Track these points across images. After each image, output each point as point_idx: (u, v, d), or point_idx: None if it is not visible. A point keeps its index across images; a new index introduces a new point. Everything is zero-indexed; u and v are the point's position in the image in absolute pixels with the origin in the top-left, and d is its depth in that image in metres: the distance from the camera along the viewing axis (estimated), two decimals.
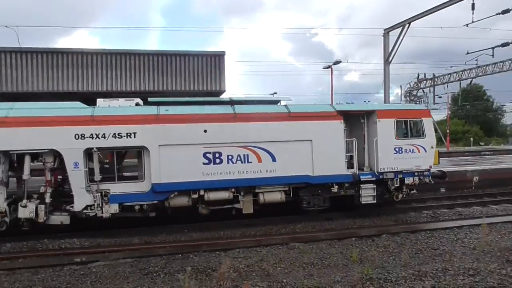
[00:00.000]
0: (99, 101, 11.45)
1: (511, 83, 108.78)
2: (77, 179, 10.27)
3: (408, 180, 12.63)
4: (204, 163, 11.02)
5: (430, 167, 12.84)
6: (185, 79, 17.63)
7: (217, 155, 11.13)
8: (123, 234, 10.84)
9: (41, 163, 10.54)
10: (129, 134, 10.51)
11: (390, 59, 28.28)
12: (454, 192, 16.50)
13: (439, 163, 13.99)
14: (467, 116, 70.91)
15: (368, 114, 12.78)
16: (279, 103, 12.56)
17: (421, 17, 25.20)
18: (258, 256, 8.75)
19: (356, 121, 12.93)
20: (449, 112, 52.90)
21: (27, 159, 10.34)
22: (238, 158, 11.26)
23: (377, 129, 12.34)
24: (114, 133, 10.41)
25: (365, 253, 8.70)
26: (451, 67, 44.91)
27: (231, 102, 11.96)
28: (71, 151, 10.19)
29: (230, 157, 11.18)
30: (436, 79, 48.06)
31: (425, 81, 49.82)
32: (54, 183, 10.82)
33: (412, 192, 13.12)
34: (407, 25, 26.15)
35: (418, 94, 48.73)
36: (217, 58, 18.04)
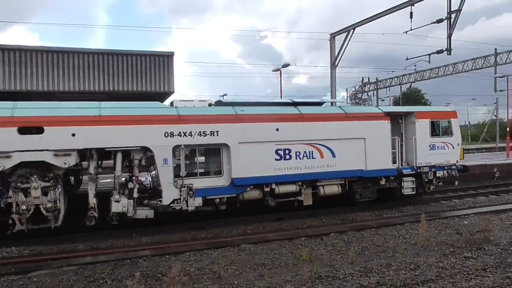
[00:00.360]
0: (176, 101, 12.47)
1: (445, 87, 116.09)
2: (166, 174, 10.95)
3: (439, 173, 14.39)
4: (276, 159, 12.14)
5: (457, 161, 14.66)
6: (132, 79, 17.13)
7: (287, 151, 12.26)
8: (67, 241, 10.36)
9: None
10: (212, 132, 11.42)
11: (336, 63, 29.19)
12: None
13: (463, 158, 15.84)
14: None
15: (407, 115, 14.43)
16: (330, 104, 14.39)
17: (365, 23, 26.27)
18: (209, 259, 8.70)
19: (394, 121, 14.17)
20: None
21: (118, 156, 10.86)
22: (304, 154, 12.45)
23: (415, 129, 14.02)
24: (200, 132, 11.28)
25: (315, 252, 8.91)
26: (392, 71, 47.20)
27: (294, 104, 13.23)
28: (161, 148, 10.89)
29: (297, 153, 12.36)
30: (379, 83, 50.26)
31: (369, 85, 51.92)
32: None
33: (439, 184, 14.87)
34: (352, 30, 27.15)
35: (363, 97, 50.73)
36: (165, 59, 17.69)
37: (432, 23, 21.06)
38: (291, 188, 12.46)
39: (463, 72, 39.87)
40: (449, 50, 21.16)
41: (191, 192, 11.22)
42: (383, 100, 51.41)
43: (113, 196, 10.71)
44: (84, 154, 10.63)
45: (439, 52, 23.44)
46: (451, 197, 16.34)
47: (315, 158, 12.52)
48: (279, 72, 35.90)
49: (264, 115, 12.19)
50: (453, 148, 14.58)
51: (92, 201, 10.58)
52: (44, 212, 10.15)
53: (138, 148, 10.94)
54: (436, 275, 7.31)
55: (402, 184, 13.95)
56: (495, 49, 36.67)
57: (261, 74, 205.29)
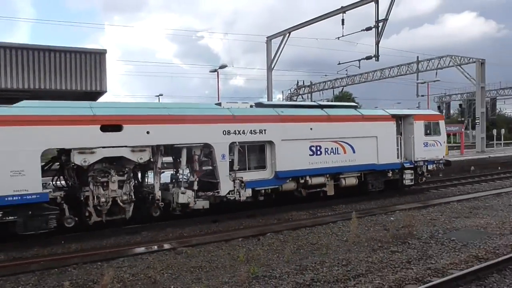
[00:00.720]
0: (223, 103, 13.42)
1: (374, 91, 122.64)
2: (223, 168, 12.03)
3: (430, 167, 16.84)
4: (310, 154, 13.72)
5: (443, 157, 17.29)
6: (61, 77, 16.14)
7: (318, 148, 13.88)
8: None
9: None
10: (261, 130, 12.71)
11: (272, 65, 29.76)
12: None
13: (448, 154, 18.66)
14: None
15: (406, 117, 16.59)
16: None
17: (300, 28, 27.09)
18: (144, 264, 8.45)
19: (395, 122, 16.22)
20: None
21: (183, 152, 11.72)
22: (331, 150, 14.16)
23: (413, 129, 16.21)
24: (251, 130, 12.53)
25: (252, 252, 9.00)
26: (325, 75, 49.05)
27: (320, 106, 15.09)
28: (220, 145, 11.96)
29: (326, 149, 14.03)
30: (313, 86, 51.98)
31: (303, 88, 53.47)
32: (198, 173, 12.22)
33: (428, 176, 17.30)
34: (288, 34, 27.87)
35: (298, 100, 52.09)
36: (97, 56, 16.89)
37: (361, 30, 22.25)
38: (321, 180, 14.10)
39: (390, 77, 42.56)
40: (377, 56, 22.46)
41: (242, 184, 12.40)
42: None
43: (180, 188, 11.69)
44: (154, 150, 11.33)
45: (368, 58, 24.77)
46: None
47: (339, 153, 14.36)
48: (216, 73, 35.84)
49: (301, 116, 13.84)
50: (441, 145, 17.17)
51: (158, 193, 11.42)
52: (121, 204, 10.88)
53: (201, 144, 11.96)
54: (366, 269, 7.70)
55: (404, 176, 16.20)
56: (417, 57, 39.57)
57: (198, 74, 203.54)
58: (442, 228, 10.78)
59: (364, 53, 26.19)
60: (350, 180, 14.76)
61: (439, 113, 19.25)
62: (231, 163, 12.30)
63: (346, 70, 33.81)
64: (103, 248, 9.87)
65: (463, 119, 58.06)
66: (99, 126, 10.40)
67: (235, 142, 12.25)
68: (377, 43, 21.63)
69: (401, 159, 16.12)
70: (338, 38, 23.50)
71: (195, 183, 12.02)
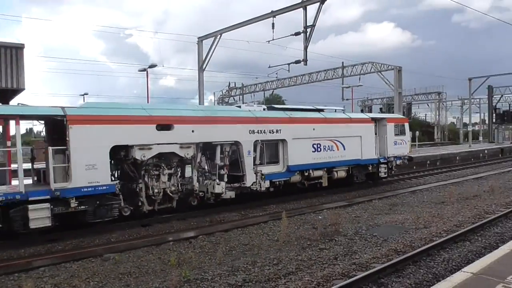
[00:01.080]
0: (243, 106, 15.66)
1: (303, 94, 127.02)
2: (248, 163, 13.93)
3: (398, 162, 20.05)
4: (312, 151, 15.96)
5: (408, 153, 20.67)
6: None
7: (319, 145, 16.17)
8: None
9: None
10: (277, 130, 14.76)
11: (204, 66, 29.55)
12: None
13: (411, 151, 22.25)
14: None
15: (380, 120, 19.30)
16: (334, 110, 18.98)
17: (232, 30, 27.17)
18: (68, 273, 7.98)
19: None
20: None
21: (218, 148, 13.41)
22: (328, 148, 16.50)
23: (387, 130, 19.00)
24: (270, 130, 14.55)
25: (183, 255, 8.87)
26: (256, 78, 49.68)
27: (318, 110, 17.60)
28: (246, 142, 13.85)
29: (324, 146, 16.34)
30: (244, 88, 52.45)
31: (235, 90, 53.76)
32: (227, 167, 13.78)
33: (395, 170, 20.67)
34: (219, 35, 27.82)
35: (230, 102, 52.24)
36: (14, 51, 15.58)
37: (291, 35, 22.81)
38: (320, 173, 16.33)
39: (317, 81, 44.21)
40: (305, 61, 23.20)
41: (263, 176, 14.26)
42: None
43: (215, 180, 13.23)
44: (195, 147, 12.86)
45: (297, 62, 25.54)
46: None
47: (334, 150, 16.71)
48: (145, 72, 34.83)
49: (306, 118, 16.19)
50: (406, 143, 20.43)
51: (196, 185, 13.04)
52: (170, 194, 12.41)
53: (232, 142, 13.73)
54: (296, 267, 7.94)
55: (380, 170, 19.00)
56: (342, 63, 41.55)
57: (127, 73, 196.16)
58: (365, 225, 11.44)
59: (293, 57, 27.05)
60: (341, 173, 17.22)
61: (405, 117, 23.39)
62: (254, 159, 14.16)
63: (276, 73, 34.56)
64: (20, 258, 9.16)
65: None
66: (155, 125, 11.86)
67: (258, 140, 14.27)
68: (305, 48, 22.35)
69: (377, 155, 18.76)
70: (269, 41, 23.97)
71: (225, 176, 13.59)
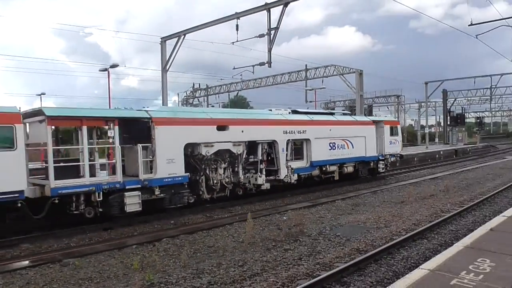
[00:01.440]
0: (273, 110, 17.78)
1: (267, 96, 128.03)
2: (282, 158, 16.22)
3: (392, 159, 23.05)
4: (329, 149, 18.54)
5: (400, 152, 23.73)
6: None
7: (334, 144, 18.81)
8: None
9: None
10: (303, 131, 17.29)
11: (167, 67, 29.16)
12: None
13: (402, 149, 25.13)
14: None
15: (378, 122, 22.12)
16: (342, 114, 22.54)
17: (196, 30, 26.96)
18: (23, 280, 7.66)
19: None
20: None
21: (259, 146, 15.71)
22: (341, 146, 19.16)
23: (384, 131, 21.91)
24: (298, 130, 17.02)
25: (147, 259, 8.70)
26: (221, 79, 49.48)
27: (331, 113, 21.68)
28: (281, 141, 16.21)
29: (338, 145, 18.96)
30: (209, 89, 52.13)
31: (199, 91, 53.34)
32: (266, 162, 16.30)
33: (389, 166, 23.55)
34: (183, 36, 27.53)
35: (194, 103, 51.77)
36: None
37: (255, 37, 22.94)
38: (334, 168, 18.84)
39: (281, 83, 44.58)
40: (269, 63, 23.33)
41: (292, 170, 16.63)
42: (213, 106, 53.34)
43: (257, 173, 15.49)
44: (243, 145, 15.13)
45: (261, 64, 25.69)
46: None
47: (345, 148, 19.36)
48: (107, 72, 33.94)
49: (324, 120, 19.07)
50: (398, 143, 23.43)
51: (242, 177, 15.18)
52: (225, 184, 14.64)
53: (270, 141, 16.08)
54: (261, 269, 7.98)
55: (378, 166, 21.74)
56: (306, 66, 42.08)
57: (87, 73, 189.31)
58: (329, 225, 11.65)
59: (257, 59, 27.10)
60: (350, 168, 19.81)
61: (397, 120, 28.69)
62: (286, 155, 16.47)
63: (240, 75, 34.70)
64: None
65: None
66: (216, 126, 14.10)
67: (289, 139, 16.74)
68: (269, 50, 22.50)
69: (377, 153, 21.52)
70: (233, 43, 23.95)
71: (264, 170, 15.78)
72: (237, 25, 23.29)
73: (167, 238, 10.54)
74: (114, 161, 11.99)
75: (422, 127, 67.18)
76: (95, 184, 11.07)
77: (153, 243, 10.15)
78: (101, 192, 11.12)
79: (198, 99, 52.41)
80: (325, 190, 18.49)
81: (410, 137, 75.91)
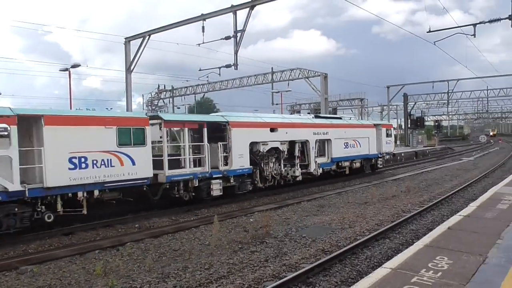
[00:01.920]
0: (302, 114, 25.68)
1: (234, 98, 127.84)
2: (312, 155, 19.87)
3: (387, 157, 28.27)
4: (343, 148, 22.24)
5: (393, 150, 28.92)
6: None
7: (347, 143, 22.58)
8: None
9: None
10: (326, 132, 20.88)
11: (131, 67, 28.59)
12: None
13: (394, 149, 30.26)
14: None
15: (377, 125, 26.25)
16: (342, 118, 26.38)
17: (160, 31, 26.59)
18: None
19: None
20: None
21: (297, 145, 19.20)
22: (352, 145, 22.88)
23: (381, 133, 25.94)
24: (323, 132, 20.75)
25: (110, 264, 8.48)
26: (187, 81, 48.97)
27: (340, 118, 25.47)
28: (312, 141, 19.89)
29: (350, 144, 22.71)
30: (174, 91, 51.49)
31: (165, 92, 52.56)
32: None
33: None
34: (148, 36, 27.07)
35: (159, 104, 50.97)
36: None
37: (221, 39, 22.83)
38: (347, 164, 22.73)
39: (248, 86, 44.69)
40: (236, 65, 23.31)
41: (318, 165, 20.29)
42: (178, 108, 52.72)
43: (295, 166, 18.98)
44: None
45: (228, 66, 25.62)
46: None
47: (354, 147, 23.15)
48: (68, 72, 32.86)
49: (340, 123, 23.25)
50: (392, 143, 28.16)
51: (283, 170, 18.38)
52: (275, 176, 17.93)
53: (304, 140, 19.52)
54: (227, 271, 7.95)
55: (378, 162, 25.92)
56: (272, 68, 42.42)
57: (47, 73, 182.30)
58: (295, 226, 11.76)
59: (224, 61, 27.01)
60: (357, 164, 23.66)
61: (391, 123, 34.40)
62: (315, 152, 19.97)
63: (207, 77, 34.42)
64: None
65: None
66: (269, 128, 17.53)
67: (317, 139, 20.30)
68: (236, 53, 22.48)
69: (377, 151, 25.55)
70: (199, 44, 23.74)
71: (298, 164, 19.15)
72: (203, 27, 23.13)
73: (132, 242, 10.31)
74: (203, 155, 14.84)
75: None
76: (193, 173, 14.23)
77: (117, 247, 9.90)
78: (197, 180, 14.22)
79: (163, 101, 51.69)
80: (291, 191, 18.67)
81: None
